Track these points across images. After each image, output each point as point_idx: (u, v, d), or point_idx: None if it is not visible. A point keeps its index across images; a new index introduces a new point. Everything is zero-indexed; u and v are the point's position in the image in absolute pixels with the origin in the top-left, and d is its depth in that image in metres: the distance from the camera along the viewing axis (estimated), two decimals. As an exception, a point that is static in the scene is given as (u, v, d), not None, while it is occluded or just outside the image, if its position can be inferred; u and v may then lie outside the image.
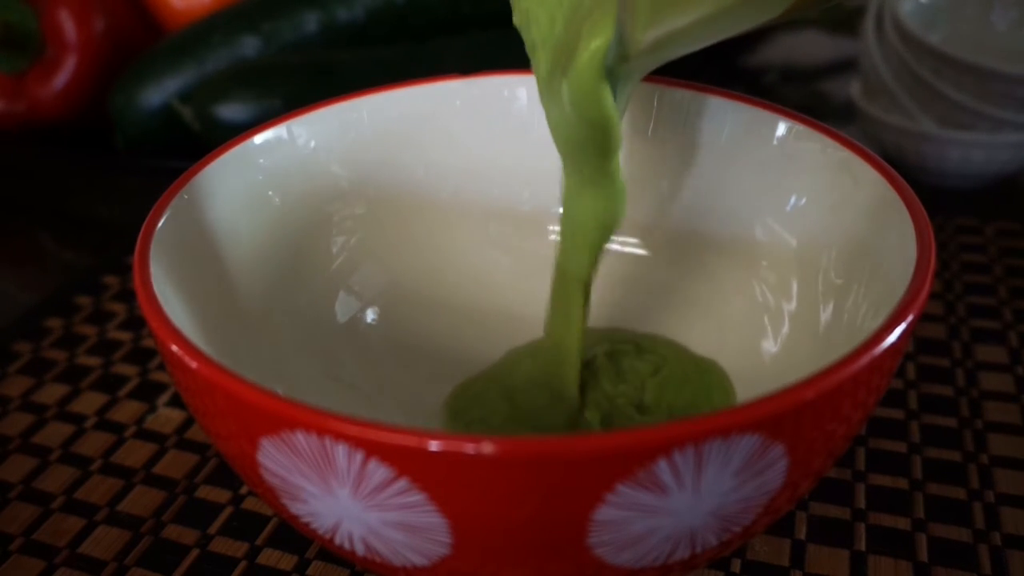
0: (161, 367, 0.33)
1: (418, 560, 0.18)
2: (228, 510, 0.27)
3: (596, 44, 0.19)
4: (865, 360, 0.17)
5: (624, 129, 0.29)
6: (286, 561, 0.25)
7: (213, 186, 0.25)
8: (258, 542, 0.26)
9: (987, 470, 0.27)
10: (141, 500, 0.27)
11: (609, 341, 0.28)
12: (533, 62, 0.23)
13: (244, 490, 0.27)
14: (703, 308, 0.29)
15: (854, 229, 0.24)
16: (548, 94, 0.22)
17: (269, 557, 0.25)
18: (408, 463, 0.16)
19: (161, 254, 0.22)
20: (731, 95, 0.28)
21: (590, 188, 0.23)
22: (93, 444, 0.29)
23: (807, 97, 0.56)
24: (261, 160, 0.27)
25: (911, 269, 0.20)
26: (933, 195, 0.36)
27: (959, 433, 0.28)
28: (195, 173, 0.25)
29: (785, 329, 0.26)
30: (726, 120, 0.28)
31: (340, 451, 0.16)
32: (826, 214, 0.26)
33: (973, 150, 0.41)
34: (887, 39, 0.42)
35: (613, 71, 0.20)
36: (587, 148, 0.22)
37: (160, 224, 0.23)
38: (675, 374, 0.27)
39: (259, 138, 0.27)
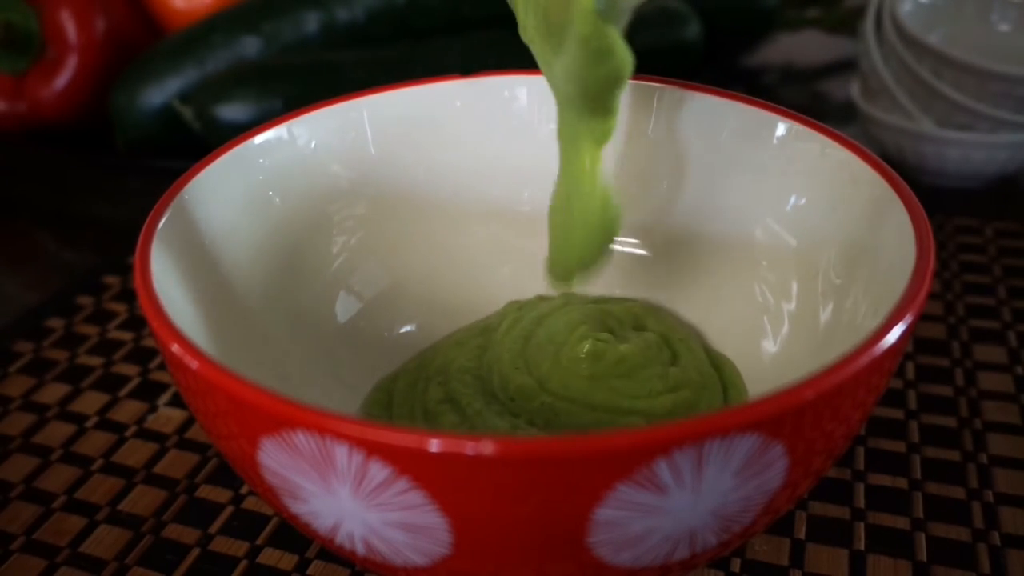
0: (162, 367, 0.33)
1: (418, 560, 0.18)
2: (229, 510, 0.27)
3: None
4: (865, 360, 0.17)
5: (624, 129, 0.29)
6: (286, 561, 0.25)
7: (213, 186, 0.25)
8: (258, 542, 0.26)
9: (986, 470, 0.27)
10: (142, 500, 0.27)
11: (655, 319, 0.28)
12: (529, 27, 0.24)
13: (245, 490, 0.27)
14: (703, 308, 0.29)
15: (854, 229, 0.24)
16: (551, 44, 0.24)
17: (269, 557, 0.25)
18: (408, 463, 0.16)
19: (162, 254, 0.22)
20: (731, 95, 0.28)
21: (587, 120, 0.24)
22: (94, 444, 0.29)
23: (807, 97, 0.56)
24: (261, 160, 0.27)
25: (910, 269, 0.20)
26: (933, 195, 0.36)
27: (958, 433, 0.28)
28: (195, 173, 0.25)
29: (785, 329, 0.27)
30: (726, 120, 0.28)
31: (340, 451, 0.16)
32: (826, 214, 0.26)
33: (973, 150, 0.41)
34: (887, 39, 0.42)
35: (606, 10, 0.22)
36: (590, 86, 0.23)
37: (160, 224, 0.23)
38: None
39: (259, 138, 0.27)
